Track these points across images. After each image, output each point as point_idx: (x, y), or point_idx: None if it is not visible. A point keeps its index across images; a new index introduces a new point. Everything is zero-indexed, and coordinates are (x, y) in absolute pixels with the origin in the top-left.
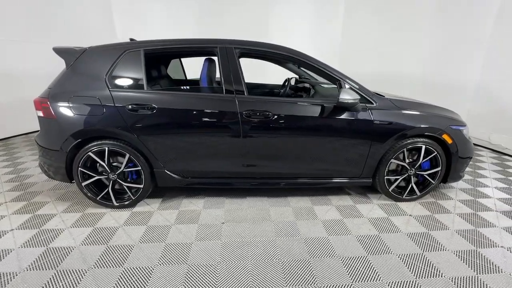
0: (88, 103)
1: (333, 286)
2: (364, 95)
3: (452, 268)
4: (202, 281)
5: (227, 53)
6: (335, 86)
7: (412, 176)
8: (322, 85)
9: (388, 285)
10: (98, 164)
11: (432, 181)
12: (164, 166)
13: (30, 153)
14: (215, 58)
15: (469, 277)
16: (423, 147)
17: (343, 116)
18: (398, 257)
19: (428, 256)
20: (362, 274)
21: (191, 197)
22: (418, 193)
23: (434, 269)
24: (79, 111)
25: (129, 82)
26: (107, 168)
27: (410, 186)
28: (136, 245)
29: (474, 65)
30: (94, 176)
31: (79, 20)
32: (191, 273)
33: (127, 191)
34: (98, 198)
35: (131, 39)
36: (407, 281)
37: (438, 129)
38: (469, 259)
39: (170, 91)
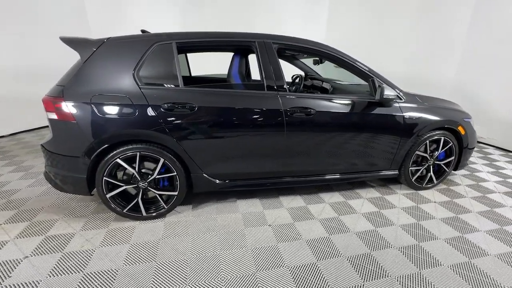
0: (116, 102)
1: (403, 276)
2: (396, 92)
3: (493, 246)
4: None
5: (266, 48)
6: (353, 83)
7: (431, 166)
8: (337, 82)
9: (451, 269)
10: (123, 172)
11: (447, 170)
12: (203, 170)
13: (2, 164)
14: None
15: (510, 252)
16: (442, 138)
17: (379, 112)
18: (445, 241)
19: (468, 238)
20: (424, 261)
21: (223, 201)
22: (435, 181)
23: (479, 249)
24: (106, 111)
25: (162, 78)
26: (137, 176)
27: (429, 175)
28: (189, 259)
29: (451, 63)
30: (121, 186)
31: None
32: (261, 284)
33: (160, 199)
34: (125, 211)
35: (143, 31)
36: (464, 263)
37: (455, 121)
38: (501, 236)
39: (209, 88)
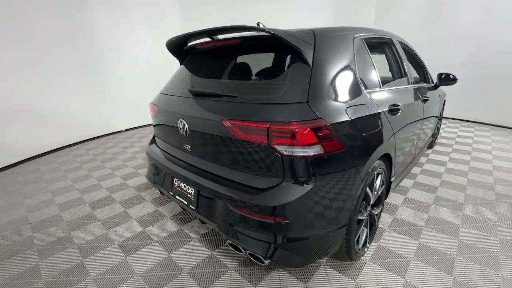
0: (366, 113)
1: None
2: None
3: None
4: None
5: (400, 44)
6: None
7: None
8: None
9: None
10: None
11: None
12: (394, 173)
13: None
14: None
15: None
16: (443, 107)
17: (436, 94)
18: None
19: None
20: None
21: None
22: (437, 138)
23: None
24: (364, 127)
25: (370, 79)
26: (372, 201)
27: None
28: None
29: None
30: (362, 220)
31: None
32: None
33: (375, 221)
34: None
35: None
36: None
37: (445, 94)
38: None
39: (397, 87)
